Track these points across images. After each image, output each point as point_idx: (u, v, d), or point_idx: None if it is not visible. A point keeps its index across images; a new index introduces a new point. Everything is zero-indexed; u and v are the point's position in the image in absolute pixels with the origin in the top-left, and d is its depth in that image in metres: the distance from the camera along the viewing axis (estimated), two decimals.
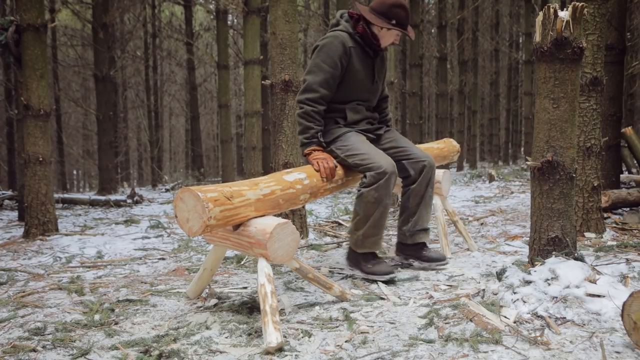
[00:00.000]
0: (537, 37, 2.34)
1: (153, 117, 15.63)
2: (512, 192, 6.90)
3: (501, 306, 2.08)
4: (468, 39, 15.39)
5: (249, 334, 2.04)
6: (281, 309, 2.30)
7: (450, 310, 2.14)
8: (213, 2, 11.51)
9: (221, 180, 10.90)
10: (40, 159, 4.71)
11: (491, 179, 8.67)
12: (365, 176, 2.64)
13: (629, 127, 5.25)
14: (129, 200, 7.54)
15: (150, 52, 15.51)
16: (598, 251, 3.04)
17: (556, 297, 2.04)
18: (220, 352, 1.89)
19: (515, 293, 2.11)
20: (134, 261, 3.60)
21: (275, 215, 2.27)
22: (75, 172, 24.31)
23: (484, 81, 19.71)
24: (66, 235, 4.74)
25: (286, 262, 2.21)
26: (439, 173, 3.31)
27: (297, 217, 3.93)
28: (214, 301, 2.48)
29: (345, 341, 1.92)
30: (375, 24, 2.74)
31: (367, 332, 2.00)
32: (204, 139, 19.98)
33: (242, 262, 3.31)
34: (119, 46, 12.31)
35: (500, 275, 2.32)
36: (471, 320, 2.00)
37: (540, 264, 2.26)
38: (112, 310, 2.40)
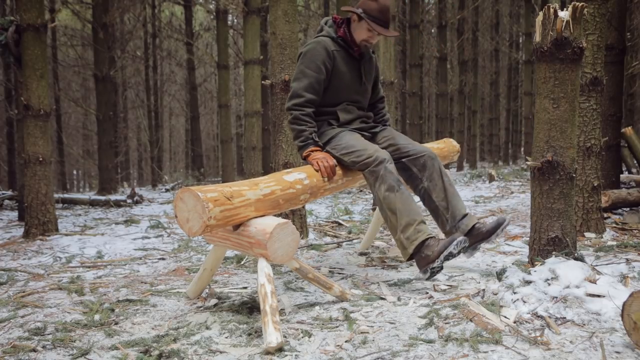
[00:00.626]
0: (537, 37, 2.34)
1: (153, 117, 15.63)
2: (512, 192, 6.90)
3: (501, 306, 2.08)
4: (468, 39, 15.40)
5: (249, 334, 2.04)
6: (281, 309, 2.30)
7: (450, 310, 2.14)
8: (213, 2, 11.51)
9: (221, 180, 10.90)
10: (40, 159, 4.71)
11: (491, 179, 8.68)
12: (366, 177, 2.64)
13: (629, 127, 5.25)
14: (129, 200, 7.54)
15: (150, 52, 15.51)
16: (598, 251, 3.04)
17: (556, 297, 2.04)
18: (220, 352, 1.89)
19: (515, 293, 2.11)
20: (134, 261, 3.60)
21: (275, 215, 2.27)
22: (75, 172, 24.31)
23: (484, 81, 19.72)
24: (66, 235, 4.74)
25: (286, 262, 2.21)
26: None
27: (297, 217, 3.93)
28: (214, 301, 2.48)
29: (345, 341, 1.92)
30: (349, 9, 2.76)
31: (367, 332, 2.00)
32: (204, 139, 19.98)
33: (242, 262, 3.31)
34: (119, 46, 12.32)
35: (500, 275, 2.32)
36: (471, 320, 2.00)
37: (540, 264, 2.26)
38: (112, 310, 2.40)
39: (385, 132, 2.96)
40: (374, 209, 4.76)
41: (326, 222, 4.86)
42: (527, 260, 2.56)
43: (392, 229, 2.59)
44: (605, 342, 1.79)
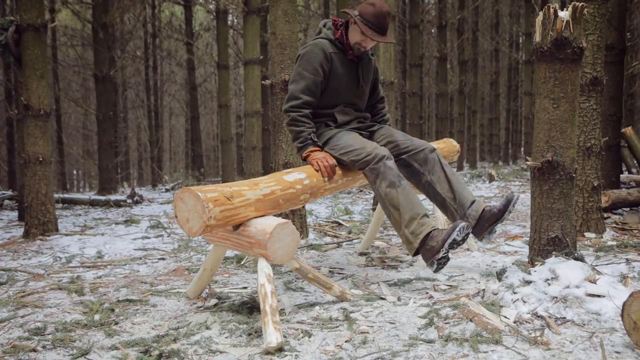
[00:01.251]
0: (537, 37, 2.34)
1: (153, 117, 15.63)
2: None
3: (501, 306, 2.08)
4: (468, 39, 15.39)
5: (249, 334, 2.04)
6: (281, 309, 2.30)
7: (450, 310, 2.14)
8: (213, 2, 11.51)
9: (221, 180, 10.90)
10: (40, 159, 4.71)
11: (491, 179, 8.68)
12: (366, 175, 2.64)
13: (629, 127, 5.25)
14: (129, 200, 7.54)
15: (150, 52, 15.51)
16: (598, 251, 3.04)
17: (556, 297, 2.04)
18: (220, 352, 1.89)
19: (515, 293, 2.11)
20: (134, 261, 3.60)
21: (275, 215, 2.27)
22: (75, 172, 24.31)
23: (484, 81, 19.72)
24: (66, 235, 4.74)
25: (286, 262, 2.21)
26: None
27: (297, 217, 3.93)
28: (214, 301, 2.48)
29: (345, 341, 1.92)
30: (346, 11, 2.74)
31: (367, 332, 2.00)
32: (204, 139, 19.98)
33: (242, 262, 3.31)
34: (119, 46, 12.31)
35: (500, 275, 2.32)
36: (471, 320, 2.00)
37: (540, 264, 2.26)
38: (112, 310, 2.40)
39: (382, 130, 2.95)
40: (374, 209, 4.76)
41: (326, 222, 4.86)
42: (527, 260, 2.55)
43: (395, 225, 2.55)
44: (605, 342, 1.79)
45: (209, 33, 16.27)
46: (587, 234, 3.49)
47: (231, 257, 3.39)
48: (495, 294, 2.18)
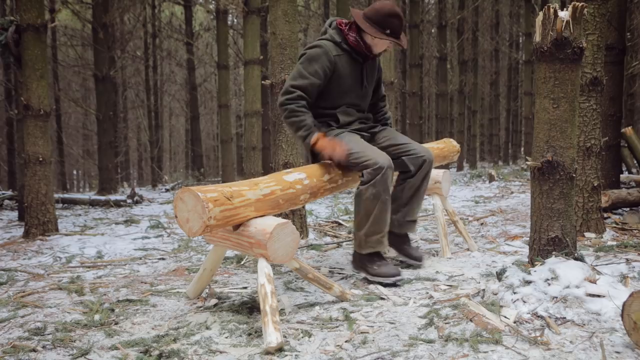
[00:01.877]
0: (537, 37, 2.34)
1: (153, 117, 15.63)
2: (512, 192, 6.90)
3: (501, 306, 2.08)
4: (468, 39, 15.39)
5: (249, 334, 2.04)
6: (281, 309, 2.30)
7: (450, 310, 2.14)
8: (213, 2, 11.52)
9: (221, 180, 10.90)
10: (40, 159, 4.71)
11: (491, 179, 8.67)
12: (362, 175, 2.64)
13: (629, 127, 5.25)
14: (129, 200, 7.54)
15: (150, 52, 15.50)
16: (598, 251, 3.04)
17: (556, 297, 2.04)
18: (220, 352, 1.89)
19: (515, 293, 2.11)
20: (134, 261, 3.60)
21: (275, 215, 2.27)
22: (75, 172, 24.31)
23: (484, 81, 19.70)
24: (66, 235, 4.74)
25: (286, 262, 2.21)
26: (439, 173, 3.31)
27: (297, 217, 3.93)
28: (214, 301, 2.48)
29: (345, 341, 1.92)
30: (368, 33, 2.71)
31: (367, 332, 2.00)
32: (204, 139, 19.96)
33: (242, 262, 3.31)
34: (119, 46, 12.30)
35: (500, 275, 2.32)
36: (471, 320, 2.00)
37: (540, 264, 2.26)
38: (112, 310, 2.40)
39: (385, 131, 2.96)
40: None
41: (326, 222, 4.86)
42: (527, 260, 2.55)
43: (357, 225, 2.68)
44: (605, 342, 1.79)
45: (209, 33, 16.26)
46: (587, 234, 3.49)
47: (231, 257, 3.39)
48: (495, 294, 2.18)
